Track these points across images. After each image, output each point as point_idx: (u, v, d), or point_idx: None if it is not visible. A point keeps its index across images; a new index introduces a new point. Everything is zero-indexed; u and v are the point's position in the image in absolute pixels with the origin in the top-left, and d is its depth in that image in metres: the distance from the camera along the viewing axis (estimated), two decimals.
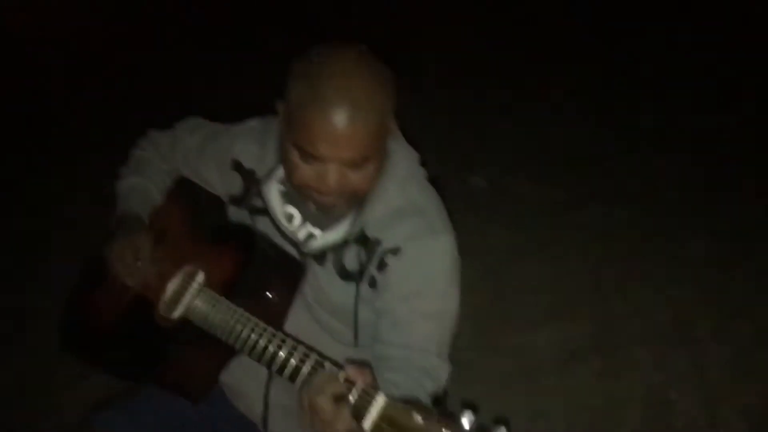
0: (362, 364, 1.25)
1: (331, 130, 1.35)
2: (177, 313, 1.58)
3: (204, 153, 1.76)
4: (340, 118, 1.34)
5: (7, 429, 2.58)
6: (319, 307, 1.61)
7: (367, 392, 1.18)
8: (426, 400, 1.40)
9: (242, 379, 1.68)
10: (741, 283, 3.05)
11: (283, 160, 1.48)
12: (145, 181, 1.82)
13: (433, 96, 4.40)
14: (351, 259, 1.55)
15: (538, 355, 2.86)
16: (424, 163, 1.63)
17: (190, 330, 1.53)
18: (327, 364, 1.30)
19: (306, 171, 1.42)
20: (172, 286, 1.65)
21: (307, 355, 1.33)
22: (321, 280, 1.58)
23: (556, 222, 3.56)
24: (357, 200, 1.50)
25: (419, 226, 1.51)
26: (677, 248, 3.33)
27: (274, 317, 1.55)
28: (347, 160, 1.39)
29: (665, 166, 3.83)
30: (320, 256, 1.57)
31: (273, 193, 1.61)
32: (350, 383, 1.20)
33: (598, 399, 2.67)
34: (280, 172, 1.57)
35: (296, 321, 1.60)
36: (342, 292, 1.56)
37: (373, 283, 1.53)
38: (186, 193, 1.84)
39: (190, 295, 1.57)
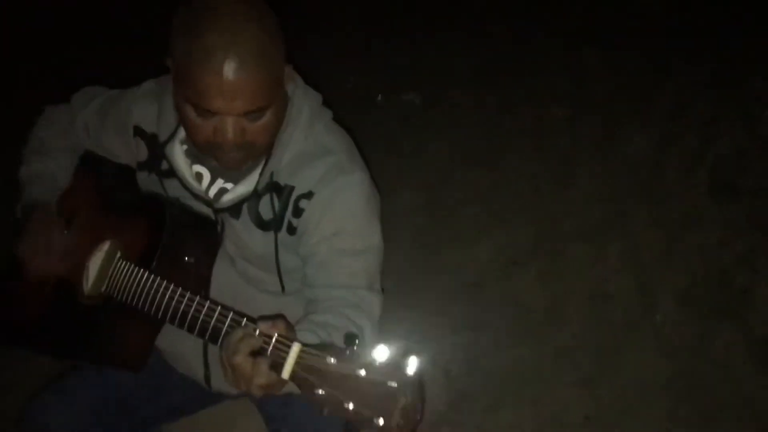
0: (275, 317, 1.27)
1: (221, 83, 1.32)
2: (97, 289, 1.59)
3: (104, 123, 1.73)
4: (229, 70, 1.32)
5: None
6: (243, 260, 1.62)
7: (282, 342, 1.20)
8: (358, 332, 1.39)
9: (178, 342, 1.69)
10: (672, 169, 3.08)
11: (181, 119, 1.46)
12: (48, 164, 1.77)
13: (353, 20, 4.32)
14: (266, 208, 1.55)
15: (480, 267, 2.90)
16: (328, 104, 1.62)
17: (114, 304, 1.54)
18: (243, 321, 1.32)
19: (204, 127, 1.41)
20: (90, 265, 1.64)
21: (225, 315, 1.34)
22: (240, 233, 1.58)
23: (492, 130, 3.55)
24: (258, 152, 1.49)
25: (328, 167, 1.52)
26: (612, 144, 3.35)
27: (198, 279, 1.58)
28: (241, 111, 1.37)
29: (597, 63, 3.81)
30: (235, 209, 1.57)
31: (178, 154, 1.60)
32: (266, 337, 1.22)
33: (540, 302, 2.74)
34: (182, 132, 1.56)
35: (221, 278, 1.61)
36: (262, 241, 1.57)
37: (291, 230, 1.54)
38: (92, 167, 1.81)
39: (108, 270, 1.57)
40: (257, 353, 1.22)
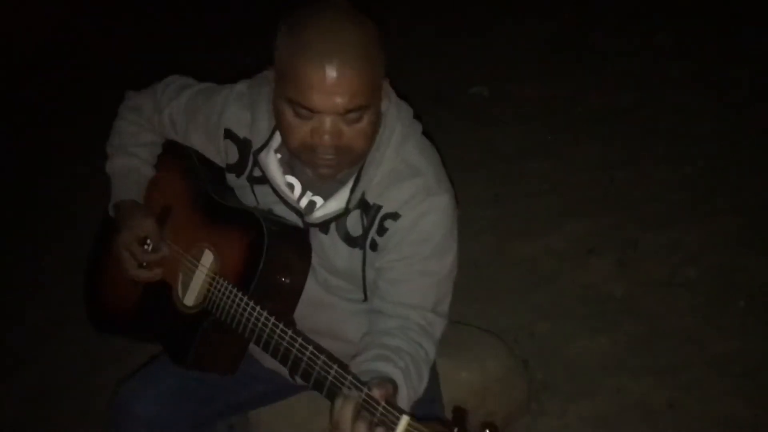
0: (384, 382, 1.27)
1: (322, 78, 1.35)
2: (194, 301, 1.63)
3: (193, 121, 1.72)
4: (330, 65, 1.34)
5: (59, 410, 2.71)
6: (324, 271, 1.63)
7: (390, 412, 1.21)
8: (426, 362, 1.46)
9: None
10: (748, 150, 3.03)
11: (279, 123, 1.48)
12: (134, 159, 1.79)
13: (421, 17, 4.35)
14: (354, 225, 1.56)
15: (555, 257, 2.91)
16: (418, 117, 1.63)
17: (211, 318, 1.57)
18: (349, 379, 1.31)
19: (301, 129, 1.41)
20: (184, 270, 1.67)
21: (329, 367, 1.35)
22: (326, 248, 1.60)
23: (561, 119, 3.55)
24: (354, 160, 1.49)
25: (416, 189, 1.52)
26: (686, 126, 3.31)
27: (289, 297, 1.60)
28: (341, 108, 1.38)
29: (670, 47, 3.75)
30: (325, 225, 1.58)
31: (272, 162, 1.60)
32: (374, 401, 1.23)
33: (617, 290, 2.73)
34: (277, 141, 1.57)
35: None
36: (348, 257, 1.58)
37: (374, 246, 1.55)
38: (179, 159, 1.80)
39: (206, 284, 1.60)
40: (363, 420, 1.23)
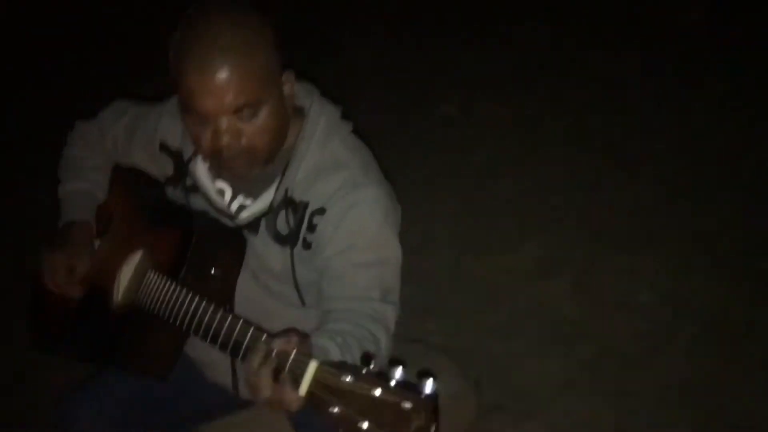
0: (288, 332, 1.29)
1: (205, 82, 1.39)
2: (128, 299, 1.64)
3: (132, 139, 1.78)
4: (210, 68, 1.38)
5: None
6: (263, 274, 1.65)
7: (299, 359, 1.21)
8: (374, 344, 1.44)
9: (206, 352, 1.69)
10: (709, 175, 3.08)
11: (188, 133, 1.51)
12: (84, 182, 1.84)
13: (388, 34, 4.37)
14: (282, 224, 1.58)
15: (513, 276, 2.94)
16: (347, 116, 1.64)
17: (143, 314, 1.58)
18: (263, 337, 1.33)
19: (204, 135, 1.45)
20: (121, 274, 1.69)
21: (245, 330, 1.36)
22: (258, 249, 1.62)
23: (526, 139, 3.58)
24: (261, 157, 1.51)
25: (341, 182, 1.54)
26: (649, 149, 3.36)
27: (223, 292, 1.62)
28: (229, 108, 1.41)
29: (635, 68, 3.80)
30: (254, 226, 1.61)
31: (201, 170, 1.65)
32: (284, 353, 1.23)
33: (571, 312, 2.76)
34: None
35: (245, 291, 1.65)
36: (279, 257, 1.60)
37: (306, 245, 1.56)
38: (122, 178, 1.86)
39: (139, 281, 1.62)
40: (277, 371, 1.24)
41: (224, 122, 1.42)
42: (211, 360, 1.77)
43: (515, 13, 4.31)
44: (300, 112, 1.59)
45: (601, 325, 2.69)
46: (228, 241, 1.64)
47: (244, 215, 1.62)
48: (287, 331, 1.30)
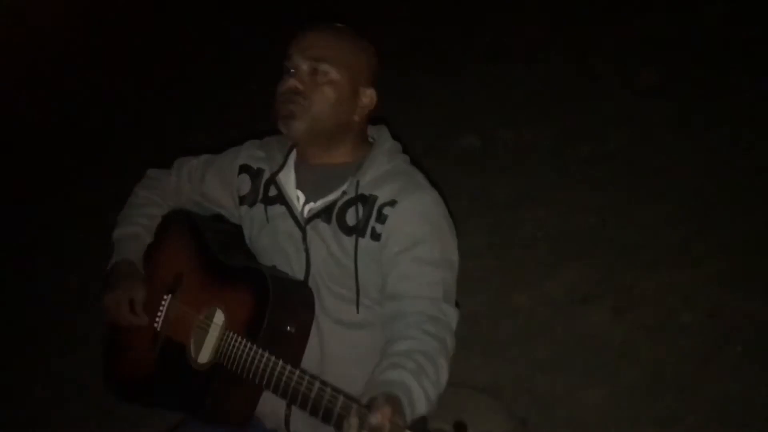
0: (385, 401, 1.34)
1: (301, 37, 1.71)
2: (206, 357, 1.73)
3: (210, 167, 1.94)
4: (319, 26, 1.73)
5: None
6: (324, 281, 1.74)
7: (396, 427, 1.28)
8: (443, 350, 1.55)
9: (265, 399, 1.76)
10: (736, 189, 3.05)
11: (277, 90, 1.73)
12: (136, 228, 1.97)
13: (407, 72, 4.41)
14: (351, 216, 1.71)
15: (551, 307, 2.92)
16: (406, 150, 1.83)
17: (223, 371, 1.67)
18: (355, 407, 1.38)
19: (283, 82, 1.70)
20: (196, 330, 1.78)
21: (335, 397, 1.43)
22: (328, 239, 1.73)
23: (550, 165, 3.58)
24: (306, 116, 1.69)
25: (408, 182, 1.71)
26: (673, 165, 3.34)
27: (297, 344, 1.71)
28: (307, 54, 1.68)
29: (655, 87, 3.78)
30: (327, 214, 1.73)
31: (290, 178, 1.80)
32: (379, 429, 1.29)
33: (614, 338, 2.73)
34: (292, 161, 1.82)
35: None
36: (345, 244, 1.71)
37: (376, 236, 1.69)
38: (187, 230, 1.96)
39: (216, 340, 1.72)
40: None
41: (302, 63, 1.69)
42: (271, 411, 1.82)
43: (532, 40, 4.32)
44: (369, 143, 1.81)
45: (644, 350, 2.66)
46: (300, 296, 1.75)
47: (318, 204, 1.75)
48: (383, 400, 1.34)
